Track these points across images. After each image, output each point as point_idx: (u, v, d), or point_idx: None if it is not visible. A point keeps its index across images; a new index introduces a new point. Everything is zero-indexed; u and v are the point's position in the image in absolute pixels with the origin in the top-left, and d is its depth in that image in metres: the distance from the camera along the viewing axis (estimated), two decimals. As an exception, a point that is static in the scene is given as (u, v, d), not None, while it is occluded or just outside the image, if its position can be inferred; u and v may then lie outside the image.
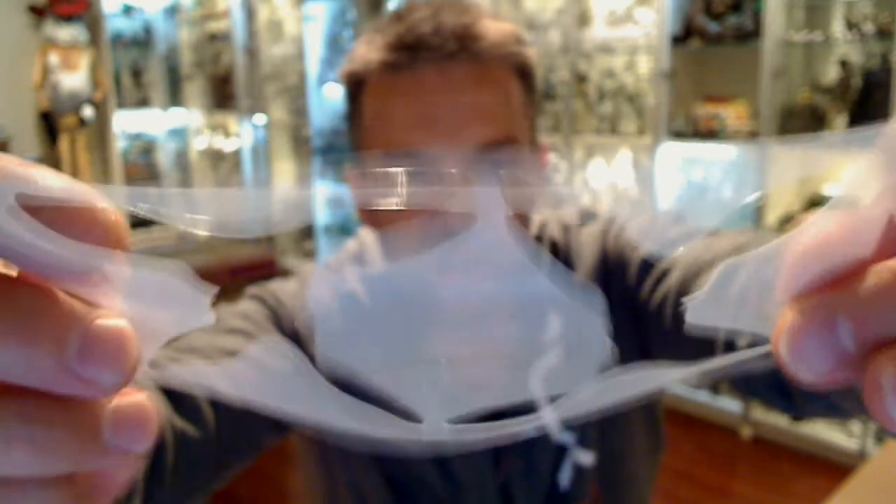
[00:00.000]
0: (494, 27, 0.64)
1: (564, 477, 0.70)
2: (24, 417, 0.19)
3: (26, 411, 0.19)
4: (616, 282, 0.70)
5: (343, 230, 4.16)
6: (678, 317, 0.62)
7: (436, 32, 0.62)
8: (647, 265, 0.67)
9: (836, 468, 2.44)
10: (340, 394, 0.21)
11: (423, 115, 0.62)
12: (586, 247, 0.73)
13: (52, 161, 4.37)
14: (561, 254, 0.73)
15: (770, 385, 0.53)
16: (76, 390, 0.19)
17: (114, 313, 0.19)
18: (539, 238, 0.74)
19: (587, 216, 0.77)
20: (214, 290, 0.21)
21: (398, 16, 0.65)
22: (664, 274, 0.65)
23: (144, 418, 0.20)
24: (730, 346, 0.56)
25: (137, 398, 0.20)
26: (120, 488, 0.21)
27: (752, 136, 2.74)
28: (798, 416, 0.56)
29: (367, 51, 0.65)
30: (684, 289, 0.61)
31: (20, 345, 0.18)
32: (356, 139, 0.69)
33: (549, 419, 0.71)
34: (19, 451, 0.18)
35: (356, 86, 0.67)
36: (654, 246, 0.67)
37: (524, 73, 0.66)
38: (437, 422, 0.22)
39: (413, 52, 0.62)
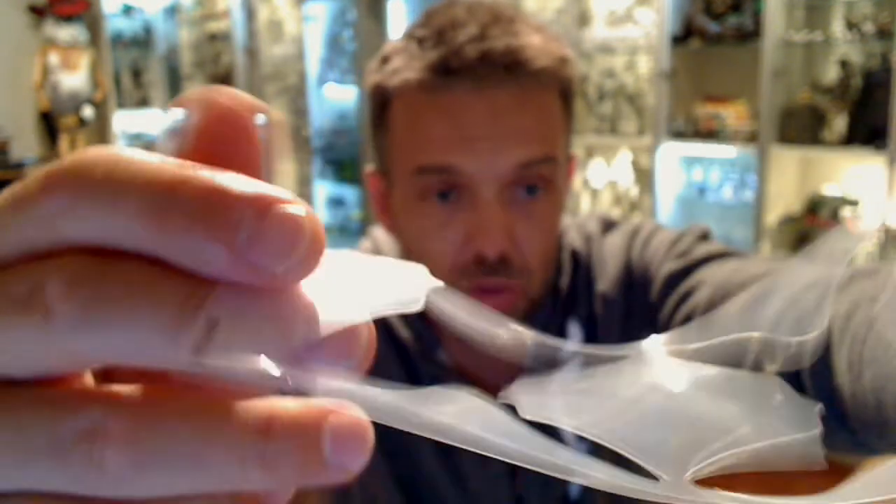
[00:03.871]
0: (542, 50, 0.62)
1: (574, 487, 0.70)
2: (249, 429, 0.17)
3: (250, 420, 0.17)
4: (639, 296, 0.68)
5: (343, 230, 4.16)
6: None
7: (483, 58, 0.59)
8: (671, 282, 0.65)
9: (836, 468, 2.44)
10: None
11: (462, 135, 0.60)
12: (609, 257, 0.71)
13: (52, 161, 4.37)
14: (582, 263, 0.72)
15: None
16: (245, 277, 0.17)
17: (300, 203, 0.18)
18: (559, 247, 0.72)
19: (608, 225, 0.75)
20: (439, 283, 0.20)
21: (440, 32, 0.61)
22: (689, 292, 0.63)
23: (363, 435, 0.18)
24: (757, 368, 0.55)
25: (356, 413, 0.18)
26: None
27: (752, 136, 2.74)
28: None
29: (405, 67, 0.62)
30: (711, 308, 0.59)
31: (192, 232, 0.17)
32: (382, 148, 0.67)
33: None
34: (246, 465, 0.17)
35: (386, 97, 0.65)
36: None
37: (566, 93, 0.65)
38: (677, 480, 0.20)
39: (457, 76, 0.60)
